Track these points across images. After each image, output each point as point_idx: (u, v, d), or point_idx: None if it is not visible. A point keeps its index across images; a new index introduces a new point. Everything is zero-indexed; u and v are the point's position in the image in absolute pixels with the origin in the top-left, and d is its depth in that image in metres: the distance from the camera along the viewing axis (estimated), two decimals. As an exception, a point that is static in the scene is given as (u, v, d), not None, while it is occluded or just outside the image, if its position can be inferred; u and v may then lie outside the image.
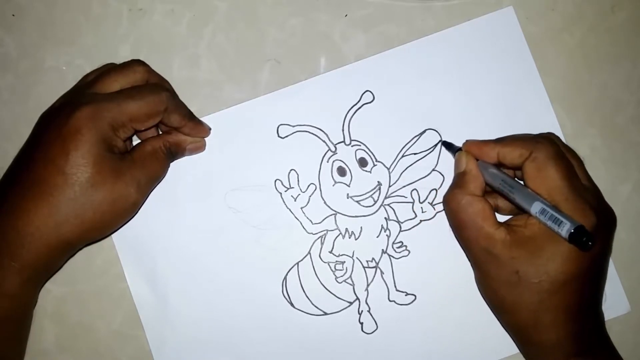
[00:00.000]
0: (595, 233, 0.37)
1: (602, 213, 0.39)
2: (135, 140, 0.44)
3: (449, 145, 0.45)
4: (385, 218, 0.45)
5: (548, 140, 0.40)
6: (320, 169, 0.45)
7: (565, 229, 0.36)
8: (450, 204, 0.41)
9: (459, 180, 0.41)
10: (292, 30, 0.46)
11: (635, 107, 0.47)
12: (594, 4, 0.47)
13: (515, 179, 0.41)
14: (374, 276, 0.45)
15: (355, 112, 0.45)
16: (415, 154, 0.45)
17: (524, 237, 0.38)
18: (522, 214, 0.39)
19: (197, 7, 0.46)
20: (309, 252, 0.45)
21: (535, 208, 0.37)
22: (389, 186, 0.45)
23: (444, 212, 0.44)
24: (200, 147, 0.45)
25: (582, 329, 0.39)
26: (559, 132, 0.45)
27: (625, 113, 0.47)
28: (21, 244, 0.38)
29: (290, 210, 0.45)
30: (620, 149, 0.46)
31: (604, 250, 0.39)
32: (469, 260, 0.42)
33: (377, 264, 0.45)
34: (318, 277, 0.45)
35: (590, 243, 0.35)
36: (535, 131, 0.42)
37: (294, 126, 0.45)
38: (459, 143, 0.44)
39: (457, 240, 0.41)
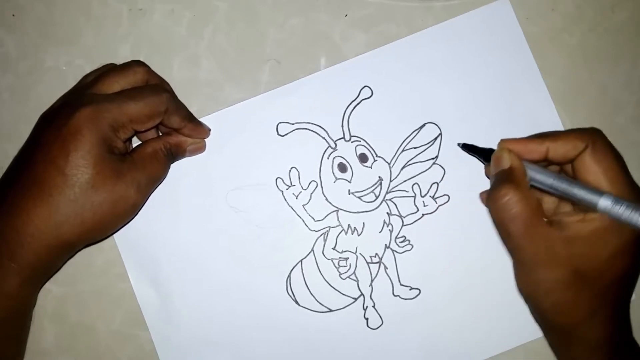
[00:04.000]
0: None
1: None
2: (136, 142, 0.44)
3: (472, 148, 0.42)
4: (387, 213, 0.45)
5: (599, 131, 0.38)
6: (320, 165, 0.45)
7: None
8: (498, 202, 0.37)
9: (505, 176, 0.38)
10: (292, 30, 0.46)
11: (635, 107, 0.47)
12: (594, 4, 0.47)
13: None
14: (378, 271, 0.45)
15: (354, 108, 0.45)
16: (415, 147, 0.45)
17: (585, 233, 0.36)
18: (568, 211, 0.38)
19: (197, 7, 0.46)
20: (312, 250, 0.45)
21: (606, 200, 0.35)
22: (390, 181, 0.45)
23: (445, 205, 0.44)
24: (201, 148, 0.45)
25: (626, 323, 0.39)
26: (559, 129, 0.45)
27: (625, 113, 0.47)
28: (20, 244, 0.37)
29: (292, 208, 0.45)
30: (620, 149, 0.46)
31: None
32: (516, 261, 0.38)
33: (381, 259, 0.45)
34: (322, 274, 0.45)
35: None
36: (534, 123, 0.42)
37: (293, 124, 0.45)
38: (459, 135, 0.44)
39: (502, 240, 0.38)
